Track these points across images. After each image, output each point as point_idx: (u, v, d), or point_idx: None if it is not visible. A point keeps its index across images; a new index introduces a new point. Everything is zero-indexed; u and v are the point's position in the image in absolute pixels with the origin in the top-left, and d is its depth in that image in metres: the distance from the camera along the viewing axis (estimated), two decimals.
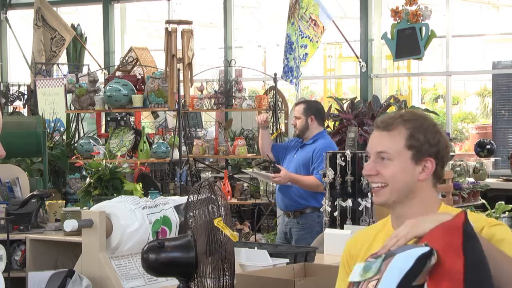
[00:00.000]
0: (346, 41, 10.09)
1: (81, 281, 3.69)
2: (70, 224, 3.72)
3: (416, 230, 2.23)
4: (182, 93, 8.25)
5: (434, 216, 2.29)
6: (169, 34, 7.92)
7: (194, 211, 3.07)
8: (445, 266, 2.08)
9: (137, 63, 9.65)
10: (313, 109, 6.53)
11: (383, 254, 2.19)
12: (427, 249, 2.12)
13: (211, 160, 10.35)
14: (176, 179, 8.21)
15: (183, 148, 8.42)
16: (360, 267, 2.22)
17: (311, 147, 6.45)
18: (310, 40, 8.64)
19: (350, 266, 2.61)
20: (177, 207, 3.93)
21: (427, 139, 2.55)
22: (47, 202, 5.99)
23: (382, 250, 2.22)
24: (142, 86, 8.65)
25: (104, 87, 8.71)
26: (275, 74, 8.87)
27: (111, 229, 3.73)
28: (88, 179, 5.46)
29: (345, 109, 8.06)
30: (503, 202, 7.67)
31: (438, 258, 2.09)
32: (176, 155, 8.30)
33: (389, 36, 8.47)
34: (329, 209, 5.21)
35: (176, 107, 8.34)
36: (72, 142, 9.12)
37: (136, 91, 8.53)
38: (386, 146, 2.54)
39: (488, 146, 9.97)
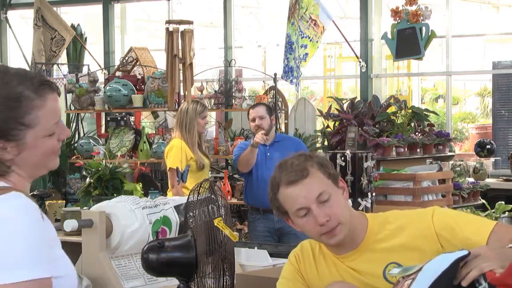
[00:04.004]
0: (346, 41, 10.09)
1: (81, 281, 3.69)
2: (70, 224, 3.71)
3: (501, 266, 2.11)
4: (182, 93, 8.24)
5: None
6: (170, 34, 7.91)
7: (194, 211, 3.07)
8: None
9: (137, 63, 9.65)
10: (272, 109, 6.83)
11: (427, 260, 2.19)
12: (465, 252, 2.12)
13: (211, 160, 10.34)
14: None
15: None
16: (400, 268, 2.25)
17: (288, 143, 6.62)
18: (310, 40, 8.64)
19: (304, 278, 2.62)
20: (177, 207, 3.92)
21: (326, 162, 2.58)
22: (47, 202, 5.99)
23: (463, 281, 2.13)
24: (142, 86, 8.65)
25: (104, 87, 8.71)
26: (275, 74, 8.86)
27: (111, 229, 3.73)
28: (88, 179, 5.45)
29: (345, 109, 8.05)
30: (503, 202, 7.66)
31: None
32: None
33: (389, 36, 8.46)
34: None
35: (176, 107, 8.34)
36: (72, 142, 9.12)
37: (136, 91, 8.53)
38: (319, 187, 2.48)
39: (488, 146, 9.97)
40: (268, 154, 6.58)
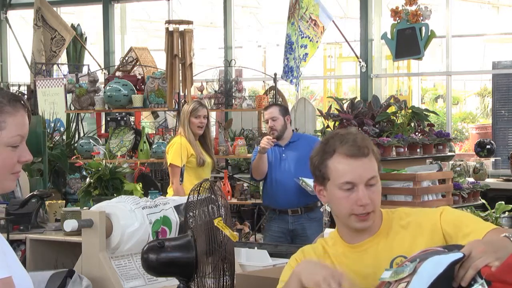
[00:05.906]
0: (346, 41, 10.09)
1: (81, 281, 3.69)
2: (70, 224, 3.72)
3: (500, 259, 2.10)
4: (182, 93, 8.24)
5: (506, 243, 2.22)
6: (170, 34, 7.90)
7: (194, 211, 3.07)
8: None
9: (137, 63, 9.65)
10: (286, 110, 6.79)
11: (417, 258, 2.18)
12: (460, 255, 2.12)
13: None
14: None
15: None
16: (390, 270, 2.23)
17: (303, 142, 6.59)
18: (310, 40, 8.64)
19: None
20: (177, 207, 3.93)
21: (377, 151, 2.62)
22: (47, 202, 5.99)
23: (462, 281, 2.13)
24: (142, 86, 8.65)
25: (104, 87, 8.71)
26: (275, 74, 8.87)
27: (111, 229, 3.73)
28: (88, 179, 5.45)
29: (345, 109, 8.04)
30: (503, 202, 7.67)
31: None
32: None
33: (389, 36, 8.46)
34: (329, 208, 5.21)
35: (176, 107, 8.34)
36: (72, 142, 9.12)
37: (136, 91, 8.53)
38: (374, 170, 2.52)
39: (488, 146, 9.97)
40: (284, 155, 6.55)
